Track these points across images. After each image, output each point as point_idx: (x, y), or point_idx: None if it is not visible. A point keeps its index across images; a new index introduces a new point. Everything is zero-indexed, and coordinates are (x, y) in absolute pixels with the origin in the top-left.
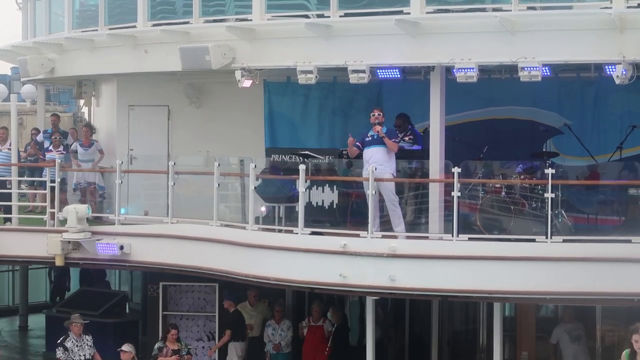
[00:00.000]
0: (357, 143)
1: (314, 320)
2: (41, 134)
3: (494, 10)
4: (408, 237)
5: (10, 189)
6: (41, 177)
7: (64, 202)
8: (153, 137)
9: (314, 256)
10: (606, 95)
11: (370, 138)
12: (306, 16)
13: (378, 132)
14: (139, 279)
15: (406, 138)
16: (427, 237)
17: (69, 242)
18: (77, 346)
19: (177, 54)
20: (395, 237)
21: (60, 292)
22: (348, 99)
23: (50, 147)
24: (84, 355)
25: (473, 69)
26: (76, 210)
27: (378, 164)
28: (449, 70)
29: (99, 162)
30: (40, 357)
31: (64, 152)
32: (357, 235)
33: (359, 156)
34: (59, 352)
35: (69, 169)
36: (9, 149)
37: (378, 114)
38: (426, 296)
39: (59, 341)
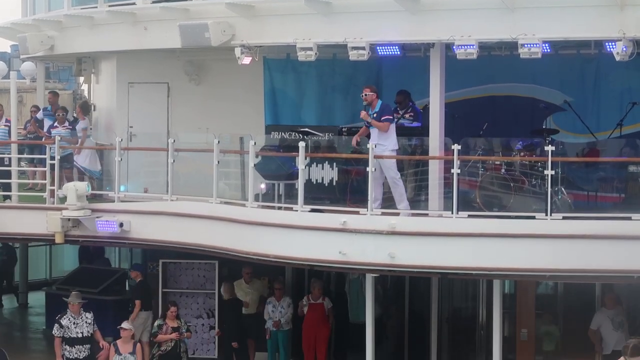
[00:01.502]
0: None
1: (313, 297)
2: (41, 111)
3: None
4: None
5: (8, 166)
6: (41, 154)
7: (68, 179)
8: (153, 114)
9: (313, 233)
10: (606, 72)
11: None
12: None
13: (362, 117)
14: (139, 257)
15: (406, 115)
16: (426, 215)
17: (69, 219)
18: (74, 323)
19: (176, 31)
20: (395, 214)
21: (6, 276)
22: (348, 76)
23: (56, 124)
24: (82, 333)
25: (473, 45)
26: (76, 188)
27: (376, 142)
28: (448, 47)
29: (83, 142)
30: (40, 334)
31: (70, 128)
32: (357, 213)
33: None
34: (55, 329)
35: (68, 146)
36: (6, 126)
37: (366, 94)
38: (426, 273)
39: (57, 317)
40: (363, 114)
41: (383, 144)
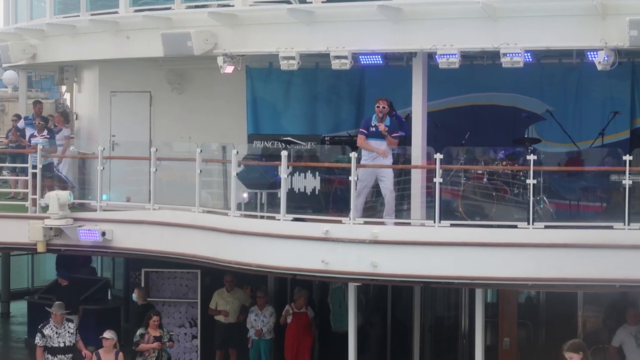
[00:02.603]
0: (363, 129)
1: (297, 307)
2: (22, 120)
3: None
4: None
5: None
6: (23, 163)
7: (49, 188)
8: (135, 123)
9: (296, 242)
10: (588, 81)
11: (374, 129)
12: (288, 2)
13: (382, 130)
14: (121, 266)
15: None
16: (409, 224)
17: (51, 228)
18: (56, 333)
19: (159, 40)
20: (377, 223)
21: None
22: (330, 85)
23: (35, 133)
24: (64, 342)
25: (455, 55)
26: (58, 197)
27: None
28: (431, 56)
29: (65, 149)
30: (22, 343)
31: (49, 137)
32: (340, 222)
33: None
34: (37, 338)
35: (50, 155)
36: None
37: (383, 106)
38: (408, 282)
39: (39, 327)
40: (382, 127)
41: (388, 159)
